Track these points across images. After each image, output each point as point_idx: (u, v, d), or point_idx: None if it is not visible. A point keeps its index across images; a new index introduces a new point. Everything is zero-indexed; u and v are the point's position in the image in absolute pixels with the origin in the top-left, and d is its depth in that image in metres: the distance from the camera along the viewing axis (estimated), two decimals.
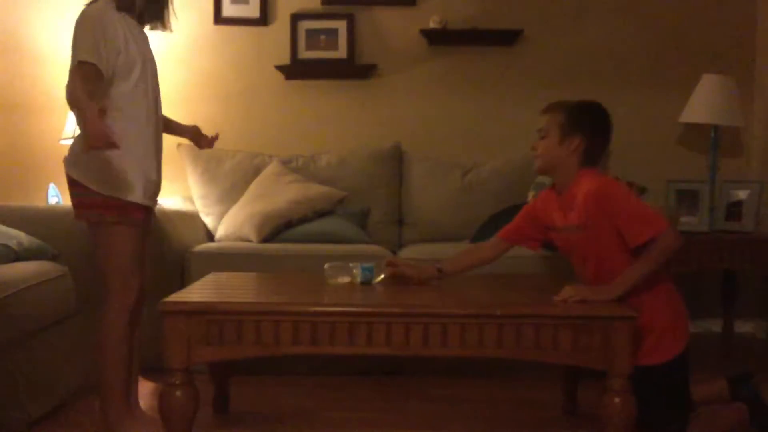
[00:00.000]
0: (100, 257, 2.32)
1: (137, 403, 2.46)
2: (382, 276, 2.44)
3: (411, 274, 2.45)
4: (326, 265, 2.44)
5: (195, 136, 2.63)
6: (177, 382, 2.04)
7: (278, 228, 3.48)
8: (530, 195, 3.61)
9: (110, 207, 2.25)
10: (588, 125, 2.33)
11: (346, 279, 2.41)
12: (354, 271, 2.41)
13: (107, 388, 2.32)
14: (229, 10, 4.08)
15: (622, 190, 2.28)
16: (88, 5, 2.27)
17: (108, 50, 2.19)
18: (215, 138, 2.65)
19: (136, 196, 2.28)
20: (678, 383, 2.28)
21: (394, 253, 3.39)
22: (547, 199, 2.45)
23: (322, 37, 4.08)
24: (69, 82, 2.15)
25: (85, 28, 2.20)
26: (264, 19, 4.09)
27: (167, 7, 2.43)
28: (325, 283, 2.41)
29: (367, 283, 2.40)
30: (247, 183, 3.74)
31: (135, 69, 2.27)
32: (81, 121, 2.15)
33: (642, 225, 2.17)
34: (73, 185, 2.28)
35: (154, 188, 2.38)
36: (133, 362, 2.40)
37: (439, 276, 2.49)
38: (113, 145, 2.12)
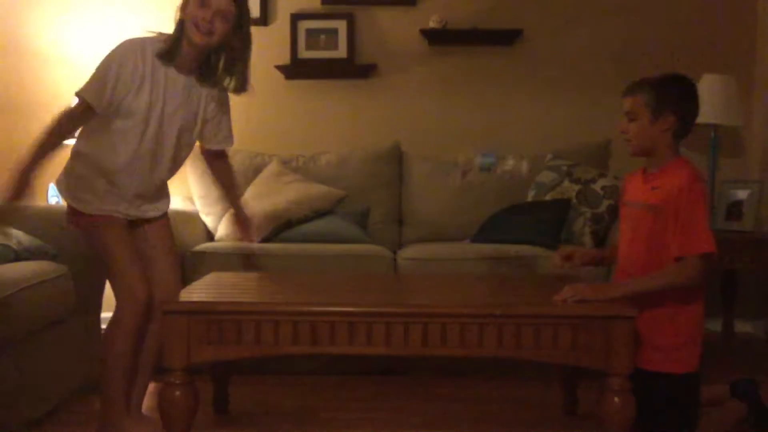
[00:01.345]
0: (103, 263, 2.33)
1: (140, 405, 2.44)
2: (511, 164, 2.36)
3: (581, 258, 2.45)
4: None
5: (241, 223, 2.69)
6: (177, 382, 2.04)
7: (278, 228, 3.48)
8: (530, 195, 3.61)
9: (80, 215, 2.31)
10: (678, 99, 2.23)
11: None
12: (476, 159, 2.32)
13: (108, 389, 2.31)
14: None
15: (703, 196, 2.20)
16: (130, 39, 2.26)
17: (118, 90, 2.19)
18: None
19: (91, 209, 2.30)
20: (694, 398, 2.26)
21: (394, 252, 3.39)
22: (631, 178, 2.38)
23: (322, 36, 4.08)
24: (67, 110, 2.21)
25: (106, 63, 2.21)
26: (264, 18, 4.09)
27: (234, 69, 2.31)
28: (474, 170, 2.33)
29: (487, 169, 2.30)
30: (247, 183, 3.73)
31: (136, 115, 2.23)
32: (29, 157, 2.15)
33: (685, 239, 2.12)
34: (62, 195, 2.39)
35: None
36: (138, 366, 2.36)
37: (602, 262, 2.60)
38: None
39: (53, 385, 2.64)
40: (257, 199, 3.59)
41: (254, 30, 4.19)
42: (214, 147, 2.48)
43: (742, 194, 3.69)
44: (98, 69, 2.22)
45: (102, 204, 2.29)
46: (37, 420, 2.49)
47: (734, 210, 3.70)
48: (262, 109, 4.12)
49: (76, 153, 2.35)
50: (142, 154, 2.28)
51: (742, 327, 3.92)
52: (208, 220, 3.74)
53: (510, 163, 2.32)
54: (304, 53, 4.08)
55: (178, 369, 2.03)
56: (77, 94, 2.20)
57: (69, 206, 2.34)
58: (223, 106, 2.43)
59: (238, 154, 3.84)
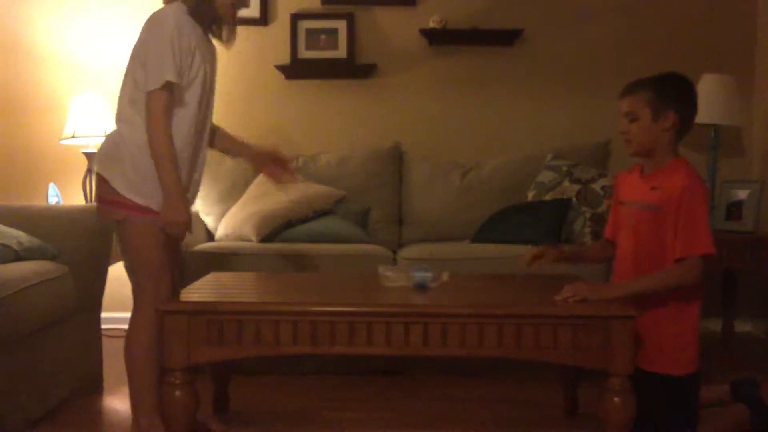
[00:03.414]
0: (129, 256, 2.31)
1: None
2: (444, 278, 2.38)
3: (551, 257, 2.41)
4: (380, 268, 2.41)
5: (266, 160, 2.57)
6: (177, 382, 2.04)
7: (278, 228, 3.48)
8: (530, 195, 3.61)
9: (134, 208, 2.22)
10: (678, 96, 2.22)
11: (401, 282, 2.35)
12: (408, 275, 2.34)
13: (138, 394, 2.26)
14: None
15: (704, 196, 2.21)
16: (163, 10, 2.22)
17: (183, 61, 2.17)
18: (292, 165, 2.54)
19: (154, 204, 2.22)
20: (694, 398, 2.25)
21: (394, 252, 3.39)
22: (626, 177, 2.38)
23: (322, 36, 4.08)
24: (152, 117, 2.12)
25: (163, 38, 2.14)
26: (264, 18, 4.09)
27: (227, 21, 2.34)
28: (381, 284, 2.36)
29: (422, 287, 2.33)
30: (247, 183, 3.74)
31: (194, 84, 2.22)
32: (163, 182, 2.14)
33: (686, 240, 2.13)
34: (102, 182, 2.25)
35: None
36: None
37: (576, 259, 2.56)
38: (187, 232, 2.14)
39: (53, 385, 2.64)
40: (257, 199, 3.59)
41: (255, 30, 4.23)
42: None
43: (742, 194, 3.69)
44: (157, 49, 2.14)
45: (160, 199, 2.21)
46: (37, 420, 2.49)
47: (734, 210, 3.70)
48: (262, 109, 4.12)
49: (136, 145, 2.21)
50: (192, 131, 2.26)
51: (742, 327, 3.93)
52: (208, 220, 3.74)
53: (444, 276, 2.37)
54: (304, 53, 4.08)
55: (178, 369, 2.03)
56: (152, 87, 2.12)
57: (120, 198, 2.22)
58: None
59: None
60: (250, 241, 3.42)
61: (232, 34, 2.37)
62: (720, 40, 4.04)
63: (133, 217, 2.22)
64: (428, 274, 2.34)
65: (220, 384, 2.65)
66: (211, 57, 2.33)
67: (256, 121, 4.08)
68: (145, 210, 2.21)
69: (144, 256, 2.24)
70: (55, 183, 3.86)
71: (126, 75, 2.25)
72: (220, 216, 3.69)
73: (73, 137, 3.81)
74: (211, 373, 2.62)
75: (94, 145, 3.85)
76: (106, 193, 2.25)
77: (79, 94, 3.90)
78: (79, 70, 4.08)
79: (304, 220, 3.54)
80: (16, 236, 2.72)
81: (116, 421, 2.63)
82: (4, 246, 2.64)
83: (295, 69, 4.08)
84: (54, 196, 3.82)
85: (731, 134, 4.01)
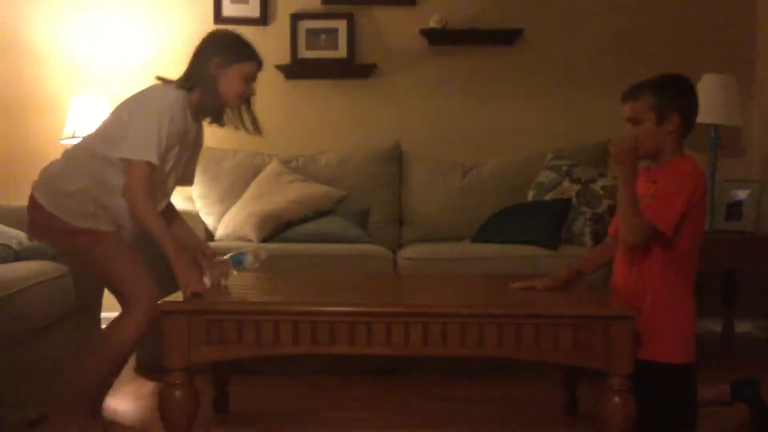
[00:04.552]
0: (103, 271, 2.30)
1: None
2: (259, 261, 2.42)
3: (544, 285, 2.34)
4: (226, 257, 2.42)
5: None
6: (177, 382, 2.04)
7: (278, 228, 3.48)
8: (530, 195, 3.61)
9: (87, 232, 2.25)
10: (680, 99, 2.22)
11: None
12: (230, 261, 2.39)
13: (86, 388, 2.28)
14: (229, 9, 4.08)
15: (695, 187, 2.18)
16: (160, 88, 2.27)
17: (167, 147, 2.22)
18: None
19: (107, 226, 2.27)
20: (693, 387, 2.25)
21: (394, 252, 3.39)
22: (636, 176, 2.38)
23: (322, 36, 4.08)
24: (133, 185, 2.16)
25: (151, 118, 2.18)
26: (264, 18, 4.09)
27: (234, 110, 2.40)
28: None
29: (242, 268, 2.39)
30: (247, 183, 3.74)
31: (166, 165, 2.27)
32: (162, 251, 2.17)
33: (658, 209, 2.13)
34: (39, 210, 2.26)
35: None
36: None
37: (578, 278, 2.40)
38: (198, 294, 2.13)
39: (53, 385, 2.64)
40: (257, 199, 3.59)
41: (255, 30, 4.23)
42: (179, 185, 2.49)
43: (742, 194, 3.69)
44: (147, 126, 2.18)
45: (108, 221, 2.28)
46: (38, 420, 2.49)
47: (734, 210, 3.70)
48: (262, 109, 4.07)
49: (75, 190, 2.25)
50: (158, 190, 2.33)
51: (742, 327, 3.92)
52: (208, 220, 3.74)
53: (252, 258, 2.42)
54: (304, 53, 4.08)
55: (178, 369, 2.03)
56: (134, 157, 2.17)
57: (64, 226, 2.24)
58: (200, 145, 2.49)
59: (238, 154, 3.84)
60: (250, 241, 3.42)
61: (255, 122, 2.43)
62: (720, 40, 4.03)
63: (83, 239, 2.24)
64: (247, 255, 2.40)
65: (220, 384, 2.65)
66: (193, 139, 2.37)
67: None
68: (97, 231, 2.25)
69: (113, 266, 2.26)
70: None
71: (103, 126, 2.31)
72: (220, 216, 3.69)
73: (73, 137, 3.80)
74: (211, 373, 2.62)
75: None
76: (54, 224, 2.25)
77: (79, 94, 3.90)
78: (79, 70, 4.08)
79: (304, 220, 3.54)
80: (16, 236, 2.72)
81: (116, 421, 2.63)
82: (4, 246, 2.64)
83: (295, 69, 4.08)
84: None
85: (731, 134, 4.01)
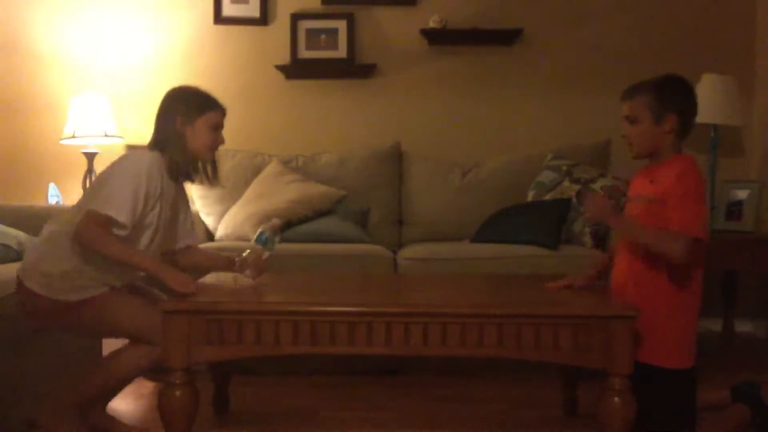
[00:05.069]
0: (124, 327, 2.26)
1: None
2: (277, 231, 2.44)
3: (581, 283, 2.36)
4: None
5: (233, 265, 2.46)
6: (177, 382, 2.04)
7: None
8: (530, 195, 3.61)
9: (85, 302, 2.22)
10: (678, 98, 2.23)
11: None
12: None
13: (85, 395, 2.29)
14: (229, 9, 4.08)
15: (699, 183, 2.19)
16: (134, 152, 2.27)
17: (143, 209, 2.20)
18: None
19: (103, 287, 2.26)
20: (693, 392, 2.25)
21: (394, 252, 3.39)
22: (636, 175, 2.37)
23: (322, 36, 4.08)
24: (87, 226, 2.12)
25: (126, 182, 2.17)
26: (264, 18, 4.09)
27: (205, 169, 2.41)
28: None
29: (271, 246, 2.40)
30: (247, 183, 3.74)
31: (147, 229, 2.27)
32: (144, 270, 2.21)
33: (683, 216, 2.12)
34: (37, 298, 2.21)
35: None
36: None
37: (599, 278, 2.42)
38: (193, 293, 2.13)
39: (53, 385, 2.64)
40: (257, 199, 3.60)
41: (255, 30, 4.23)
42: (183, 243, 2.48)
43: (742, 194, 3.69)
44: (122, 187, 2.17)
45: (100, 282, 2.25)
46: (37, 420, 2.49)
47: (734, 210, 3.70)
48: (262, 109, 4.12)
49: (70, 269, 2.21)
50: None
51: (742, 327, 3.93)
52: (208, 220, 3.74)
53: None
54: (304, 53, 4.09)
55: (178, 369, 2.03)
56: (103, 212, 2.13)
57: (64, 305, 2.21)
58: (187, 201, 2.50)
59: (238, 154, 3.84)
60: (250, 241, 3.42)
61: (215, 172, 2.43)
62: (720, 40, 4.04)
63: (94, 306, 2.22)
64: (264, 233, 2.42)
65: (220, 384, 2.65)
66: (173, 197, 2.35)
67: (256, 121, 4.08)
68: (98, 296, 2.24)
69: (124, 323, 2.24)
70: (55, 183, 3.86)
71: (78, 201, 2.30)
72: (220, 216, 3.69)
73: (73, 137, 3.81)
74: (211, 373, 2.62)
75: (94, 145, 3.86)
76: (56, 306, 2.21)
77: (78, 94, 3.90)
78: (79, 70, 4.08)
79: (304, 220, 3.54)
80: (15, 236, 2.72)
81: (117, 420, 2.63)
82: (4, 246, 2.64)
83: (295, 69, 4.08)
84: (54, 196, 3.82)
85: (731, 134, 4.01)
